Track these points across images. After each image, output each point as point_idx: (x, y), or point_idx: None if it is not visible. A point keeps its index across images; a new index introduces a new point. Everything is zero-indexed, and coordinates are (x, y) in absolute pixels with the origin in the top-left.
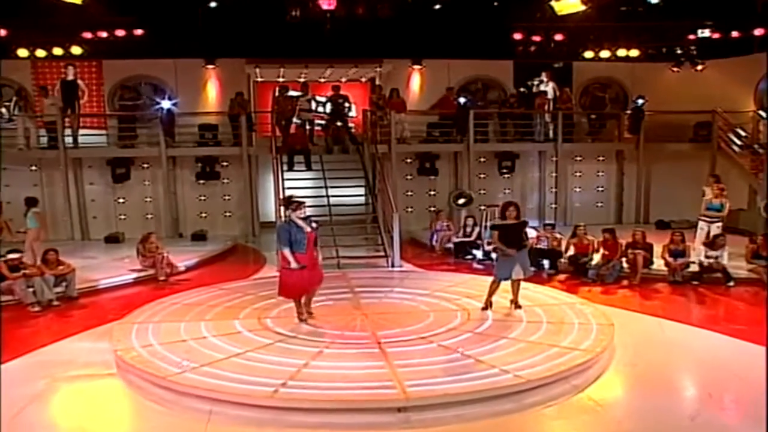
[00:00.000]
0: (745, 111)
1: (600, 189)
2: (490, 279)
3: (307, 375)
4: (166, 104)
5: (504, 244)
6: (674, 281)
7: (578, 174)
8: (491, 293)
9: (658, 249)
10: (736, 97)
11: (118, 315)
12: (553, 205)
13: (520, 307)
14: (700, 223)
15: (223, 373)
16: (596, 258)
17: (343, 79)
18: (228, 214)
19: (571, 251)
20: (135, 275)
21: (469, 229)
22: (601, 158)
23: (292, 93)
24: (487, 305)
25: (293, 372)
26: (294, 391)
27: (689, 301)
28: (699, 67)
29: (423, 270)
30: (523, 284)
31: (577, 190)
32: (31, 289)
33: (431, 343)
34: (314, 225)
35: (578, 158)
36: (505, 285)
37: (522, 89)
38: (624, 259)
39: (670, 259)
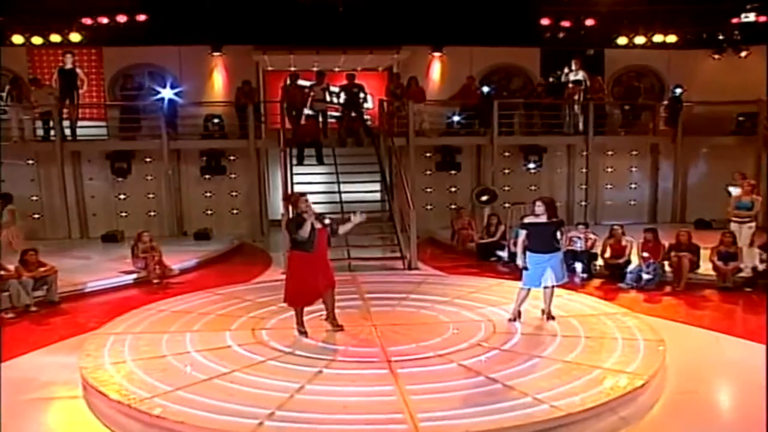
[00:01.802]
0: None
1: (633, 186)
2: (518, 284)
3: (300, 403)
4: (168, 93)
5: (534, 245)
6: (724, 287)
7: (610, 170)
8: (520, 302)
9: (704, 252)
10: None
11: (100, 323)
12: (583, 203)
13: (553, 318)
14: (732, 225)
15: (200, 399)
16: (634, 261)
17: (359, 68)
18: (235, 211)
19: (608, 253)
20: (127, 277)
21: (492, 229)
22: (634, 152)
23: (302, 82)
24: (515, 316)
25: (284, 399)
26: (282, 424)
27: (745, 311)
28: (743, 54)
29: (442, 273)
30: (555, 291)
31: (609, 187)
32: (6, 294)
33: (451, 362)
34: (327, 221)
35: (610, 153)
36: (536, 291)
37: (551, 79)
38: (666, 263)
39: (720, 263)
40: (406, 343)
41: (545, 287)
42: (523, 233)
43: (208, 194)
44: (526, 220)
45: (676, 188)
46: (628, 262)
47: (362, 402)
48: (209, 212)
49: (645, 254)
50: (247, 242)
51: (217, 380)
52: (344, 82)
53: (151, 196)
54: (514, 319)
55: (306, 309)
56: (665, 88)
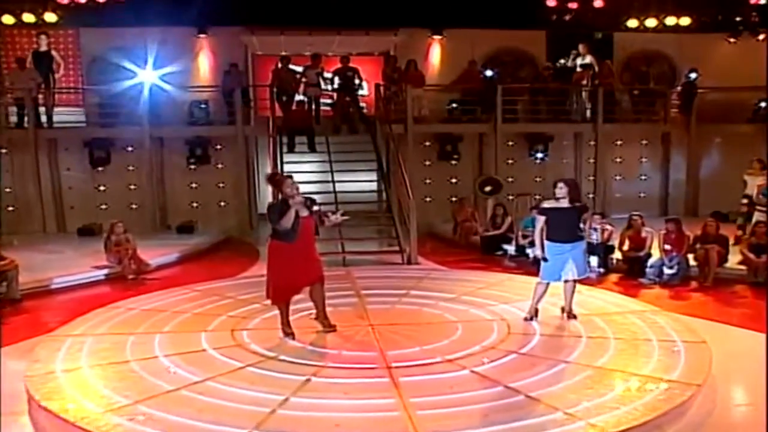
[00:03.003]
0: None
1: (643, 177)
2: (533, 279)
3: (284, 420)
4: (150, 78)
5: (554, 233)
6: (756, 282)
7: (619, 160)
8: (537, 298)
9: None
10: None
11: (63, 323)
12: (591, 195)
13: (575, 316)
14: (756, 215)
15: (162, 415)
16: (655, 254)
17: (353, 52)
18: (222, 203)
19: (626, 246)
20: (98, 273)
21: (499, 220)
22: (644, 142)
23: (294, 68)
24: (533, 314)
25: (264, 414)
26: None
27: None
28: (761, 37)
29: (445, 268)
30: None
31: (618, 178)
32: None
33: (462, 369)
34: (316, 208)
35: (619, 142)
36: (554, 288)
37: (559, 64)
38: (692, 256)
39: (752, 255)
40: (409, 346)
41: (566, 281)
42: (541, 220)
43: (194, 185)
44: (545, 205)
45: (689, 179)
46: (649, 255)
47: (358, 418)
48: (195, 205)
49: (667, 246)
50: (234, 236)
51: (185, 391)
52: (338, 65)
53: (132, 187)
54: (531, 318)
55: (293, 307)
56: (677, 74)
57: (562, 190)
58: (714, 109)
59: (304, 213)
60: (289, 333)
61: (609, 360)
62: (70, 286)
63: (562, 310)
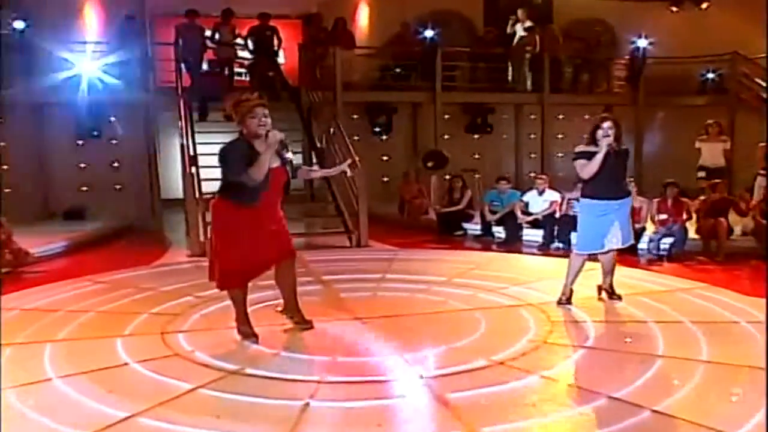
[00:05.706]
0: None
1: None
2: (527, 258)
3: None
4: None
5: (595, 187)
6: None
7: (560, 136)
8: (573, 276)
9: None
10: (749, 41)
11: None
12: (533, 174)
13: (619, 297)
14: (759, 180)
15: None
16: (650, 227)
17: (270, 14)
18: (118, 186)
19: None
20: None
21: (457, 195)
22: (587, 116)
23: (206, 31)
24: (568, 297)
25: None
26: None
27: None
28: (704, 6)
29: (406, 249)
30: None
31: (560, 155)
32: None
33: (528, 373)
34: (289, 156)
35: (561, 116)
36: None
37: (509, 27)
38: (693, 228)
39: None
40: (429, 345)
41: (608, 251)
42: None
43: (83, 165)
44: (583, 148)
45: (637, 156)
46: (644, 228)
47: None
48: (84, 188)
49: (662, 216)
50: (135, 224)
51: None
52: (255, 24)
53: (5, 167)
54: (568, 301)
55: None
56: (617, 44)
57: (611, 130)
58: (659, 81)
59: (275, 163)
60: (249, 333)
61: (714, 351)
62: None
63: (600, 289)
